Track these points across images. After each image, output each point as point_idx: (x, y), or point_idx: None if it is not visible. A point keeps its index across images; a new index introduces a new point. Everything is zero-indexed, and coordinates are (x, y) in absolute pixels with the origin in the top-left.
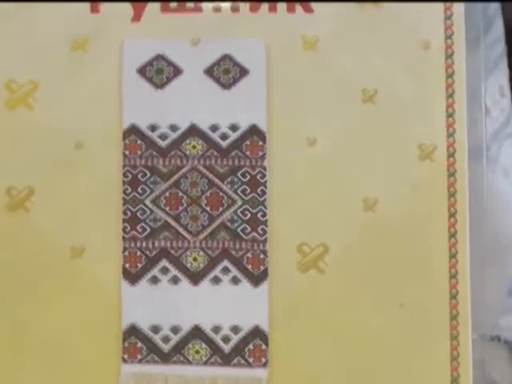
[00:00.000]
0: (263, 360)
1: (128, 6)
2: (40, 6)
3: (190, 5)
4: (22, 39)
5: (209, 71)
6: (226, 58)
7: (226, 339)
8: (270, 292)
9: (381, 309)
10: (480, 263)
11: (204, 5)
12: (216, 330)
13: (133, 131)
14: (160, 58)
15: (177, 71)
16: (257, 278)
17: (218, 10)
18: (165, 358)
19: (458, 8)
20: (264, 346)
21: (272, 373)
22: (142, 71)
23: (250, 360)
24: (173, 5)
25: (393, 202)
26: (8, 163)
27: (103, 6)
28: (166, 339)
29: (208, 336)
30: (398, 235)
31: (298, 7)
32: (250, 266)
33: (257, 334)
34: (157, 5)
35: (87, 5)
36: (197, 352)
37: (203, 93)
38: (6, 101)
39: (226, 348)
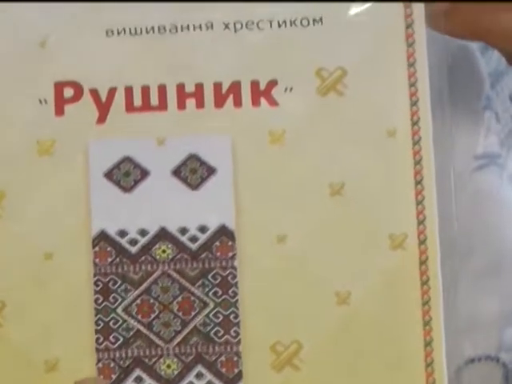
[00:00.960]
0: None
1: (93, 107)
2: (5, 109)
3: (155, 103)
4: None
5: (176, 172)
6: (193, 157)
7: None
8: None
9: None
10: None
11: (169, 102)
12: None
13: (102, 238)
14: (127, 160)
15: (144, 173)
16: (231, 381)
17: (182, 107)
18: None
19: (424, 92)
20: None
21: None
22: (108, 175)
23: None
24: (137, 104)
25: (366, 293)
26: None
27: (67, 109)
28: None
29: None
30: (372, 326)
31: (263, 101)
32: (224, 370)
33: None
34: (121, 104)
35: (51, 108)
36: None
37: (171, 194)
38: None
39: None
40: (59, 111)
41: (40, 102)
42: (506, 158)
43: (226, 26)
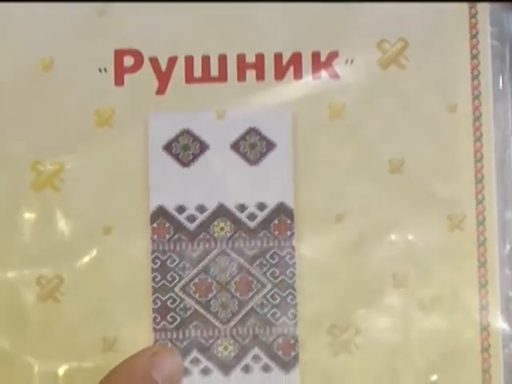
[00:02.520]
0: None
1: (153, 77)
2: (65, 78)
3: (215, 74)
4: (47, 117)
5: (235, 146)
6: (252, 131)
7: None
8: (302, 378)
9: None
10: None
11: (229, 73)
12: None
13: (160, 213)
14: (186, 133)
15: (203, 147)
16: (288, 365)
17: (242, 78)
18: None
19: (486, 67)
20: None
21: None
22: (167, 148)
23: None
24: (197, 74)
25: (425, 276)
26: (36, 252)
27: (127, 78)
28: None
29: None
30: (429, 310)
31: (324, 73)
32: (280, 352)
33: None
34: (181, 75)
35: (111, 77)
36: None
37: (230, 169)
38: (33, 183)
39: None
40: (119, 80)
41: (100, 70)
42: None
43: None
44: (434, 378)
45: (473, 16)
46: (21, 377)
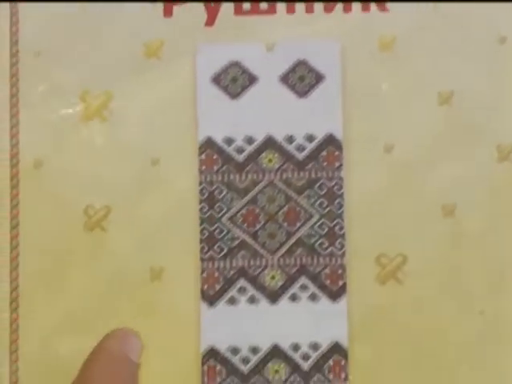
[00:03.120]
0: (343, 375)
1: (202, 9)
2: (113, 9)
3: (264, 6)
4: (95, 47)
5: (284, 78)
6: (301, 63)
7: (305, 357)
8: (349, 306)
9: (460, 317)
10: None
11: (278, 6)
12: (295, 348)
13: (209, 145)
14: (234, 64)
15: (252, 79)
16: (335, 294)
17: (291, 11)
18: (244, 379)
19: None
20: (344, 361)
21: None
22: (216, 80)
23: (330, 376)
24: (246, 7)
25: (472, 206)
26: (85, 182)
27: (176, 10)
28: (245, 360)
29: (287, 355)
30: (477, 241)
31: (373, 6)
32: (328, 282)
33: (336, 349)
34: (230, 7)
35: (160, 8)
36: (276, 371)
37: (279, 102)
38: (81, 114)
39: (306, 366)
40: (168, 12)
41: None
42: None
43: None
44: (481, 307)
45: None
46: (68, 303)
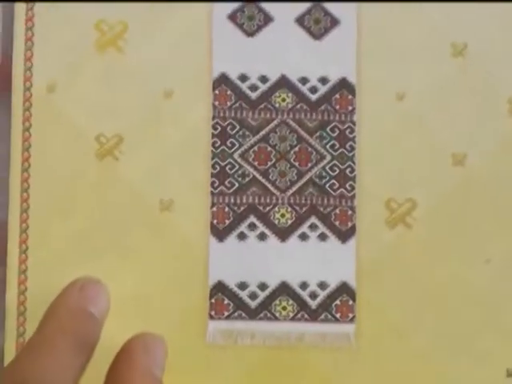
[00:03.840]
0: (350, 315)
1: None
2: None
3: None
4: None
5: (299, 20)
6: (318, 6)
7: (313, 295)
8: (358, 248)
9: (468, 262)
10: None
11: None
12: (303, 286)
13: (223, 81)
14: (251, 3)
15: (268, 19)
16: (344, 234)
17: None
18: (252, 314)
19: None
20: (351, 302)
21: (359, 328)
22: (232, 17)
23: (337, 315)
24: None
25: (482, 156)
26: (97, 109)
27: None
28: (253, 296)
29: (295, 292)
30: (486, 190)
31: None
32: (337, 223)
33: (344, 289)
34: None
35: None
36: (284, 308)
37: (294, 43)
38: (96, 42)
39: (313, 304)
40: None
41: None
42: None
43: None
44: (488, 256)
45: None
46: (79, 228)
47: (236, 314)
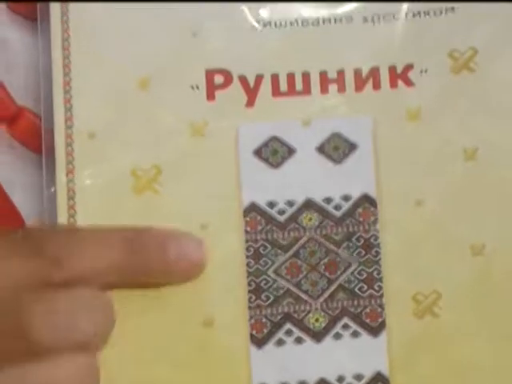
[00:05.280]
0: None
1: (242, 92)
2: (161, 95)
3: (300, 88)
4: (144, 127)
5: (320, 149)
6: (336, 135)
7: None
8: (389, 340)
9: (496, 342)
10: None
11: (312, 88)
12: (340, 379)
13: (253, 208)
14: (274, 139)
15: (291, 151)
16: (375, 330)
17: (325, 91)
18: None
19: None
20: None
21: None
22: (257, 153)
23: None
24: (283, 89)
25: (501, 245)
26: None
27: (218, 94)
28: None
29: None
30: (506, 275)
31: (400, 82)
32: (368, 320)
33: (379, 379)
34: (268, 90)
35: (203, 93)
36: None
37: (316, 169)
38: (133, 187)
39: None
40: (211, 96)
41: (192, 88)
42: None
43: (365, 20)
44: None
45: None
46: None
47: None
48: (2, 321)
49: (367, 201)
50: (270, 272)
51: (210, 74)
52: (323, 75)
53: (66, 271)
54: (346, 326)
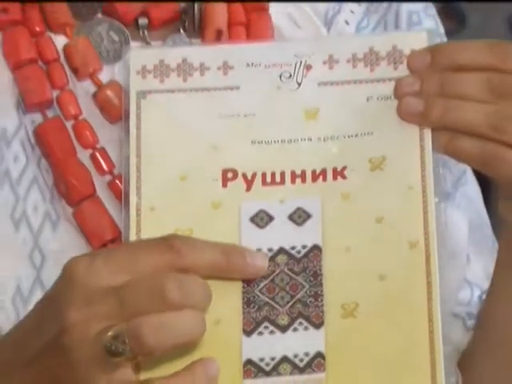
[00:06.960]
0: None
1: (243, 183)
2: (194, 185)
3: (278, 180)
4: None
5: (290, 217)
6: (299, 209)
7: None
8: (326, 332)
9: (391, 334)
10: None
11: (286, 180)
12: (295, 356)
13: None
14: (262, 211)
15: (271, 218)
16: (318, 325)
17: (293, 182)
18: None
19: None
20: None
21: None
22: (252, 219)
23: None
24: (268, 181)
25: (397, 273)
26: None
27: (229, 184)
28: None
29: None
30: (400, 294)
31: (339, 177)
32: (314, 320)
33: (319, 355)
34: (259, 181)
35: (220, 183)
36: None
37: (287, 228)
38: None
39: None
40: (224, 185)
41: (213, 180)
42: None
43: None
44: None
45: None
46: None
47: None
48: (147, 286)
49: (316, 248)
50: (256, 291)
51: (224, 172)
52: (293, 173)
53: (184, 261)
54: (300, 324)
